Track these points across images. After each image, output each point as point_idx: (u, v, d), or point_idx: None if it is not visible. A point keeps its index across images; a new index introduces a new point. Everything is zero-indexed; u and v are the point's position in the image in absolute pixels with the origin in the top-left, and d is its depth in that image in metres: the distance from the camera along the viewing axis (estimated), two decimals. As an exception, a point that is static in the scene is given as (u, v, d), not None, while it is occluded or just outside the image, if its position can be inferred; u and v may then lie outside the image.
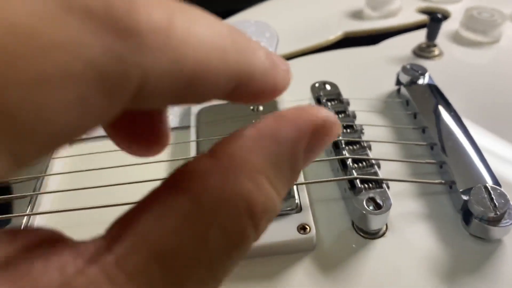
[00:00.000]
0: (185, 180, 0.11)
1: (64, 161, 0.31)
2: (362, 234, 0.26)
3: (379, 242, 0.26)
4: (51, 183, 0.30)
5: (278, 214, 0.14)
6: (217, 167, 0.12)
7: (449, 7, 0.52)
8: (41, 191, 0.29)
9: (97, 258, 0.10)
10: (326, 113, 0.14)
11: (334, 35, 0.47)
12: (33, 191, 0.29)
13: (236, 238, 0.11)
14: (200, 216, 0.11)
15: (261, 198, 0.12)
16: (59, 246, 0.10)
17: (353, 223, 0.27)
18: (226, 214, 0.11)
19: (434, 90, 0.33)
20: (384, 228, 0.26)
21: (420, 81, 0.34)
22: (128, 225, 0.11)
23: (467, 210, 0.26)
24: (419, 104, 0.32)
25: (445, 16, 0.51)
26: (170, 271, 0.10)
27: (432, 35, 0.40)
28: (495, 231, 0.25)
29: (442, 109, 0.31)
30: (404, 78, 0.35)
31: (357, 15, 0.50)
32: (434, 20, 0.40)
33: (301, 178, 0.29)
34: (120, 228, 0.11)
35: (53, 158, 0.31)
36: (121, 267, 0.10)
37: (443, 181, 0.28)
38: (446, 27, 0.47)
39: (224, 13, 0.55)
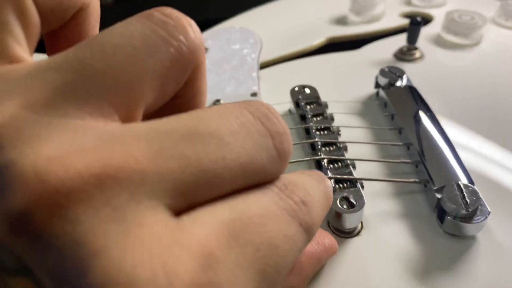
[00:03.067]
0: None
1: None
2: (337, 233, 0.26)
3: (354, 241, 0.26)
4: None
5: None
6: None
7: (432, 11, 0.52)
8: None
9: None
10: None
11: (317, 40, 0.47)
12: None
13: None
14: None
15: None
16: None
17: (328, 222, 0.27)
18: None
19: (411, 91, 0.34)
20: (359, 227, 0.27)
21: (398, 83, 0.35)
22: None
23: (441, 208, 0.26)
24: (396, 106, 0.33)
25: (428, 20, 0.52)
26: None
27: (412, 38, 0.41)
28: (468, 228, 0.25)
29: (418, 110, 0.32)
30: (383, 81, 0.35)
31: (341, 20, 0.51)
32: (413, 23, 0.40)
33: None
34: None
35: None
36: None
37: (417, 180, 0.28)
38: (428, 31, 0.47)
39: (212, 20, 0.56)
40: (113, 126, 0.12)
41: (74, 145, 0.11)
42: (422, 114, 0.31)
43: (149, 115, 0.14)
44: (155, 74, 0.13)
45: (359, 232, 0.27)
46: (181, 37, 0.14)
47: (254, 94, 0.36)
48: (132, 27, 0.14)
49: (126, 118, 0.13)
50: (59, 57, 0.13)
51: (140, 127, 0.13)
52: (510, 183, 0.29)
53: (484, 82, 0.39)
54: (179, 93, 0.16)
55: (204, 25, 0.54)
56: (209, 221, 0.13)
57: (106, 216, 0.11)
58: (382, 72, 0.35)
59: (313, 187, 0.17)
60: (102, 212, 0.11)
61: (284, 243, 0.14)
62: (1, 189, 0.11)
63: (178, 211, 0.12)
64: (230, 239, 0.12)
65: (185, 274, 0.11)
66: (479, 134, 0.33)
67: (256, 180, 0.14)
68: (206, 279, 0.11)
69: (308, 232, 0.15)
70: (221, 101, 0.36)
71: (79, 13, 0.17)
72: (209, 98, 0.36)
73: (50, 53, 0.18)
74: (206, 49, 0.43)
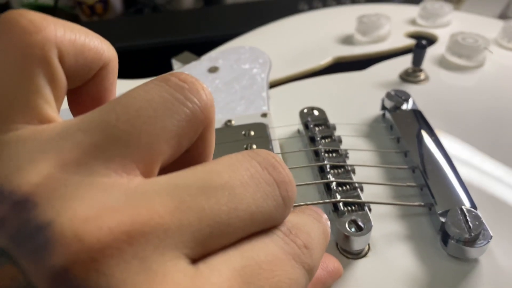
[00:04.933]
0: None
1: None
2: (345, 254, 0.28)
3: (361, 262, 0.27)
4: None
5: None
6: None
7: (436, 31, 0.54)
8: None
9: None
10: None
11: (325, 60, 0.49)
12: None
13: None
14: None
15: None
16: None
17: (337, 244, 0.28)
18: None
19: (417, 115, 0.35)
20: (366, 249, 0.28)
21: (404, 107, 0.36)
22: None
23: (444, 231, 0.27)
24: (402, 129, 0.34)
25: (433, 40, 0.53)
26: None
27: (417, 61, 0.42)
28: (471, 251, 0.26)
29: (423, 134, 0.33)
30: (388, 104, 0.36)
31: (347, 40, 0.52)
32: (418, 46, 0.42)
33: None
34: None
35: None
36: None
37: (422, 203, 0.29)
38: (433, 52, 0.49)
39: (220, 39, 0.57)
40: (136, 182, 0.14)
41: (105, 204, 0.13)
42: (426, 138, 0.33)
43: (164, 167, 0.16)
44: (173, 133, 0.15)
45: (366, 253, 0.28)
46: (195, 99, 0.16)
47: (264, 115, 0.37)
48: (152, 91, 0.15)
49: (146, 172, 0.15)
50: (86, 118, 0.15)
51: (160, 183, 0.14)
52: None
53: (487, 103, 0.40)
54: (191, 147, 0.17)
55: (211, 43, 0.55)
56: (224, 268, 0.14)
57: (135, 268, 0.12)
58: (389, 96, 0.36)
59: (314, 229, 0.18)
60: (132, 264, 0.12)
61: (289, 286, 0.15)
62: (42, 247, 0.12)
63: (195, 259, 0.14)
64: (243, 285, 0.14)
65: None
66: (482, 153, 0.34)
67: (264, 226, 0.16)
68: None
69: (310, 273, 0.16)
70: (233, 122, 0.37)
71: (100, 71, 0.19)
72: (220, 118, 0.37)
73: (72, 107, 0.20)
74: (217, 68, 0.45)
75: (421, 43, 0.41)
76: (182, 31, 0.66)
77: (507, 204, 0.31)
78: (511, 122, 0.38)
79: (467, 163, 0.34)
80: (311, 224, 0.18)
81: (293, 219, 0.17)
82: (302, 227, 0.17)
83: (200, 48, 0.56)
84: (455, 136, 0.36)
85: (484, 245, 0.26)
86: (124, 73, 0.68)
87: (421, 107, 0.38)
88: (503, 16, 0.76)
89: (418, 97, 0.40)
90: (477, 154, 0.35)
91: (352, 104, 0.40)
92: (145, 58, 0.64)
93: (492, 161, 0.34)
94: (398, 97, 0.36)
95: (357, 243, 0.27)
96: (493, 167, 0.33)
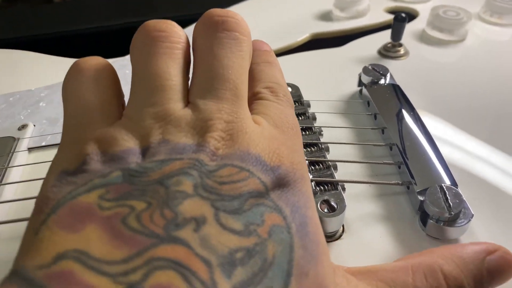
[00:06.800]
0: None
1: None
2: (318, 237, 0.26)
3: (335, 244, 0.26)
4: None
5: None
6: None
7: (417, 7, 0.52)
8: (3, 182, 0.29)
9: None
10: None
11: (302, 36, 0.47)
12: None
13: None
14: None
15: None
16: None
17: (309, 227, 0.26)
18: None
19: (395, 90, 0.33)
20: (340, 230, 0.26)
21: (382, 81, 0.34)
22: None
23: (423, 211, 0.25)
24: (379, 105, 0.32)
25: (414, 15, 0.51)
26: None
27: (396, 35, 0.40)
28: (451, 231, 0.25)
29: (402, 110, 0.31)
30: (366, 79, 0.34)
31: (325, 16, 0.50)
32: (398, 19, 0.40)
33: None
34: None
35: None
36: None
37: (400, 182, 0.27)
38: (413, 27, 0.47)
39: (194, 16, 0.55)
40: None
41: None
42: (405, 114, 0.31)
43: None
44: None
45: (340, 235, 0.26)
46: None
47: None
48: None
49: None
50: None
51: None
52: (494, 182, 0.29)
53: (468, 79, 0.39)
54: None
55: (187, 21, 0.53)
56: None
57: None
58: (365, 70, 0.35)
59: (276, 72, 0.24)
60: None
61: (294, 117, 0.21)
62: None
63: None
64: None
65: None
66: (464, 130, 0.33)
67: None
68: None
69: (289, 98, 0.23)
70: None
71: None
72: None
73: None
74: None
75: (400, 15, 0.39)
76: (158, 9, 0.63)
77: (488, 182, 0.29)
78: (492, 98, 0.37)
79: (447, 141, 0.32)
80: (274, 71, 0.23)
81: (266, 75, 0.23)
82: (274, 79, 0.22)
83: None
84: (436, 111, 0.35)
85: (465, 224, 0.24)
86: (98, 54, 0.65)
87: (400, 83, 0.36)
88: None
89: (397, 72, 0.38)
90: (458, 132, 0.33)
91: (328, 81, 0.38)
92: (117, 40, 0.62)
93: (473, 138, 0.32)
94: (375, 71, 0.34)
95: (330, 225, 0.25)
96: (475, 145, 0.32)
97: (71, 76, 0.20)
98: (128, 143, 0.17)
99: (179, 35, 0.20)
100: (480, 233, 0.26)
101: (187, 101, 0.19)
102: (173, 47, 0.20)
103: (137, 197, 0.15)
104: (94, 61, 0.20)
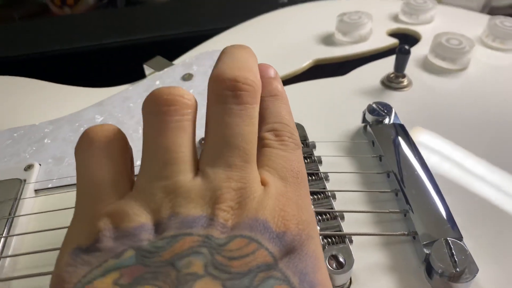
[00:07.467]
0: None
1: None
2: (325, 290, 0.26)
3: (343, 298, 0.26)
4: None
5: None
6: None
7: (419, 29, 0.52)
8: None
9: None
10: None
11: (305, 63, 0.47)
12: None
13: None
14: None
15: None
16: None
17: (316, 279, 0.26)
18: None
19: (398, 130, 0.33)
20: (348, 283, 0.26)
21: (386, 121, 0.34)
22: None
23: (429, 263, 0.26)
24: (384, 147, 0.32)
25: (416, 38, 0.51)
26: None
27: (400, 67, 0.40)
28: (456, 287, 0.25)
29: (405, 153, 0.31)
30: (370, 118, 0.34)
31: (328, 40, 0.50)
32: (401, 51, 0.40)
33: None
34: None
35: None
36: None
37: (405, 232, 0.28)
38: (416, 52, 0.47)
39: (197, 35, 0.54)
40: None
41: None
42: (409, 158, 0.31)
43: None
44: None
45: (348, 287, 0.26)
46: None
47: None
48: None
49: None
50: None
51: None
52: (499, 225, 0.29)
53: (473, 107, 0.39)
54: None
55: (186, 40, 0.53)
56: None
57: None
58: (370, 109, 0.35)
59: (282, 109, 0.24)
60: None
61: (301, 162, 0.22)
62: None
63: None
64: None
65: None
66: (470, 157, 0.33)
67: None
68: None
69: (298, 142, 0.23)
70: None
71: None
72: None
73: None
74: (191, 76, 0.42)
75: (404, 48, 0.39)
76: (156, 27, 0.63)
77: (494, 225, 0.29)
78: (497, 125, 0.37)
79: (452, 173, 0.32)
80: (280, 106, 0.23)
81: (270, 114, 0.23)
82: (279, 118, 0.22)
83: (175, 46, 0.53)
84: (440, 145, 0.35)
85: (470, 280, 0.25)
86: (96, 74, 0.65)
87: (404, 115, 0.36)
88: (487, 5, 0.74)
89: (401, 104, 0.39)
90: (463, 161, 0.33)
91: (332, 115, 0.39)
92: (115, 58, 0.61)
93: (479, 167, 0.33)
94: (379, 110, 0.35)
95: (339, 280, 0.25)
96: (481, 175, 0.32)
97: (83, 148, 0.20)
98: (140, 217, 0.18)
99: (187, 106, 0.20)
100: (484, 284, 0.26)
101: (197, 168, 0.20)
102: (182, 120, 0.20)
103: (150, 281, 0.16)
104: (105, 132, 0.20)
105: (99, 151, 0.20)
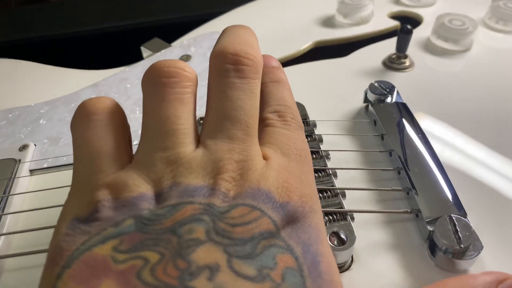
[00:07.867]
0: None
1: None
2: (327, 268, 0.26)
3: (344, 275, 0.25)
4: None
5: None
6: None
7: (421, 11, 0.51)
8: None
9: None
10: None
11: (305, 44, 0.46)
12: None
13: None
14: None
15: None
16: None
17: (317, 257, 0.26)
18: None
19: (401, 109, 0.33)
20: (349, 261, 0.26)
21: (388, 99, 0.34)
22: None
23: (432, 241, 0.25)
24: (386, 126, 0.31)
25: (418, 21, 0.50)
26: None
27: (402, 47, 0.40)
28: (460, 264, 0.24)
29: (408, 132, 0.31)
30: (372, 97, 0.34)
31: (328, 22, 0.49)
32: (403, 31, 0.39)
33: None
34: None
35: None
36: None
37: (408, 210, 0.27)
38: (418, 34, 0.46)
39: (195, 19, 0.54)
40: None
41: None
42: (411, 136, 0.30)
43: None
44: None
45: (349, 266, 0.26)
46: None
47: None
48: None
49: None
50: None
51: None
52: (503, 203, 0.29)
53: (475, 89, 0.38)
54: None
55: (185, 24, 0.52)
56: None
57: None
58: (372, 88, 0.34)
59: (285, 94, 0.23)
60: None
61: (305, 143, 0.22)
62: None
63: None
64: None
65: None
66: (472, 140, 0.33)
67: None
68: None
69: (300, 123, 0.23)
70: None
71: None
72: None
73: None
74: (189, 57, 0.42)
75: (406, 27, 0.39)
76: (153, 11, 0.62)
77: (498, 204, 0.29)
78: (500, 106, 0.36)
79: (455, 155, 0.32)
80: (282, 91, 0.23)
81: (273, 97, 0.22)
82: (282, 101, 0.22)
83: (173, 30, 0.52)
84: (443, 126, 0.34)
85: (475, 256, 0.24)
86: (94, 59, 0.64)
87: (406, 96, 0.36)
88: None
89: (403, 85, 0.38)
90: (466, 142, 0.33)
91: (333, 96, 0.38)
92: (113, 42, 0.61)
93: (482, 148, 0.32)
94: (382, 89, 0.34)
95: (340, 257, 0.25)
96: (483, 157, 0.32)
97: (80, 120, 0.19)
98: (140, 188, 0.17)
99: (188, 79, 0.20)
100: (488, 262, 0.26)
101: (198, 141, 0.19)
102: (183, 92, 0.20)
103: (150, 247, 0.15)
104: (102, 104, 0.20)
105: (97, 122, 0.19)
